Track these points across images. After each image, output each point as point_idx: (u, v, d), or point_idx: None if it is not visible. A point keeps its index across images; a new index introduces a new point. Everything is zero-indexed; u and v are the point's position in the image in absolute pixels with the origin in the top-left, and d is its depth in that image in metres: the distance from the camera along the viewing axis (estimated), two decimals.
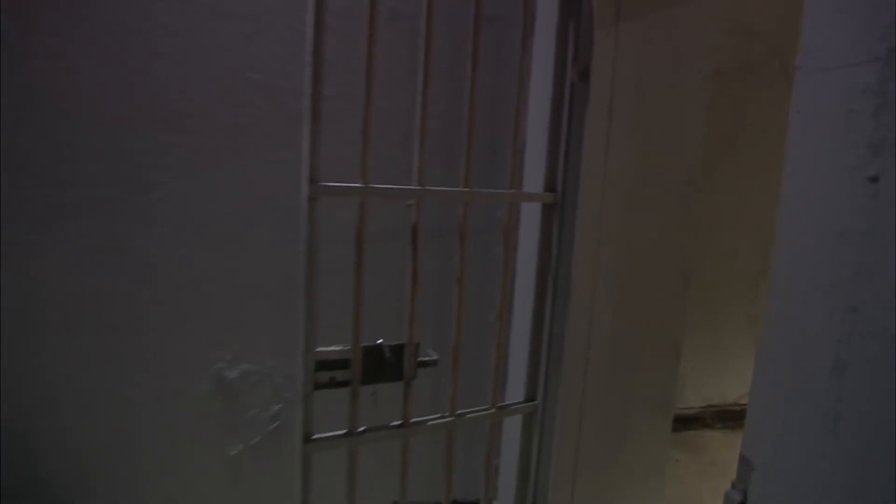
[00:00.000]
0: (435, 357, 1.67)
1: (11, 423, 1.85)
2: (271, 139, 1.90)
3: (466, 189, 1.58)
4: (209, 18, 1.83)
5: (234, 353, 1.98)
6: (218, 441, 2.01)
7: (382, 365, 1.57)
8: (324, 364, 1.48)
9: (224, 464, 2.03)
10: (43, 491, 1.91)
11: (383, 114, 1.52)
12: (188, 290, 1.92)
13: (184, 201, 1.88)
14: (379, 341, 1.57)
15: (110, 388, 1.91)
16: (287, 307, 1.83)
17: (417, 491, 2.00)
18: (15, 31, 1.67)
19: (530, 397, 1.87)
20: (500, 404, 1.80)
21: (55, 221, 1.81)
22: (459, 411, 1.71)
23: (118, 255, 1.86)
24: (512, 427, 2.02)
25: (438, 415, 1.70)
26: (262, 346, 1.99)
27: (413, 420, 1.64)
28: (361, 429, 1.56)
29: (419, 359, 1.62)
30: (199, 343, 1.95)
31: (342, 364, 1.51)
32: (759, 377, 0.97)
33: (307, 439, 1.48)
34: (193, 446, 2.00)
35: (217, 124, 1.87)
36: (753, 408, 0.97)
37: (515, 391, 1.96)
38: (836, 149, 0.81)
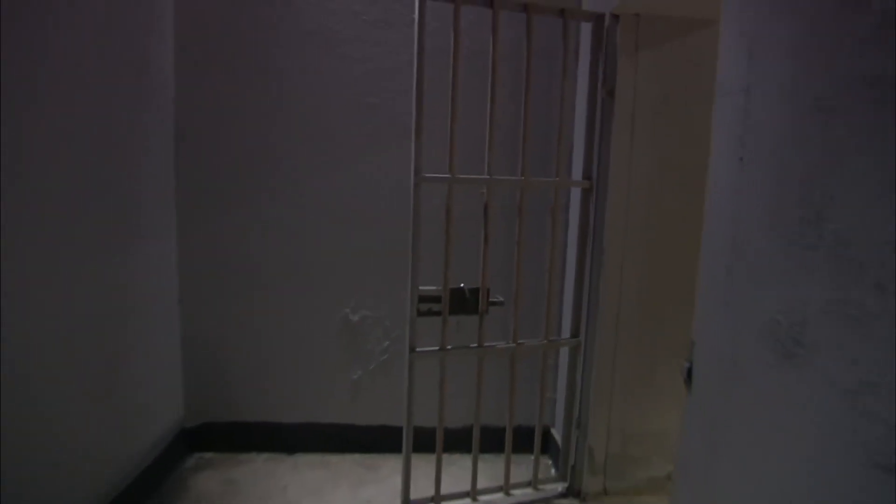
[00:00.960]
0: (501, 299, 2.29)
1: (201, 354, 2.64)
2: (386, 145, 2.58)
3: (523, 178, 2.20)
4: (341, 62, 2.55)
5: (356, 302, 2.69)
6: (343, 367, 2.73)
7: (464, 302, 2.21)
8: (424, 298, 2.14)
9: (347, 385, 2.74)
10: (233, 399, 2.70)
11: (464, 126, 2.15)
12: (326, 256, 2.65)
13: (324, 191, 2.60)
14: (461, 285, 2.21)
15: (268, 328, 2.67)
16: (395, 267, 2.52)
17: (489, 414, 2.63)
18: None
19: (574, 335, 2.45)
20: (550, 338, 2.39)
21: (233, 206, 2.59)
22: (520, 340, 2.32)
23: (277, 230, 2.61)
24: (563, 363, 2.60)
25: (504, 342, 2.32)
26: (376, 297, 2.69)
27: (486, 344, 2.27)
28: (449, 346, 2.21)
29: (490, 300, 2.24)
30: (331, 294, 2.67)
31: (436, 299, 2.16)
32: (701, 288, 1.52)
33: (412, 350, 2.14)
34: (327, 371, 2.73)
35: (347, 136, 2.59)
36: (698, 306, 1.53)
37: (564, 331, 2.55)
38: (728, 141, 1.37)
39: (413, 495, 2.31)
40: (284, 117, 2.57)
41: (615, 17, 2.19)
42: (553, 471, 2.68)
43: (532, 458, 2.51)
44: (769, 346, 1.14)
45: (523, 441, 2.60)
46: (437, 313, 2.17)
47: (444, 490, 2.36)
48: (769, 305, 1.16)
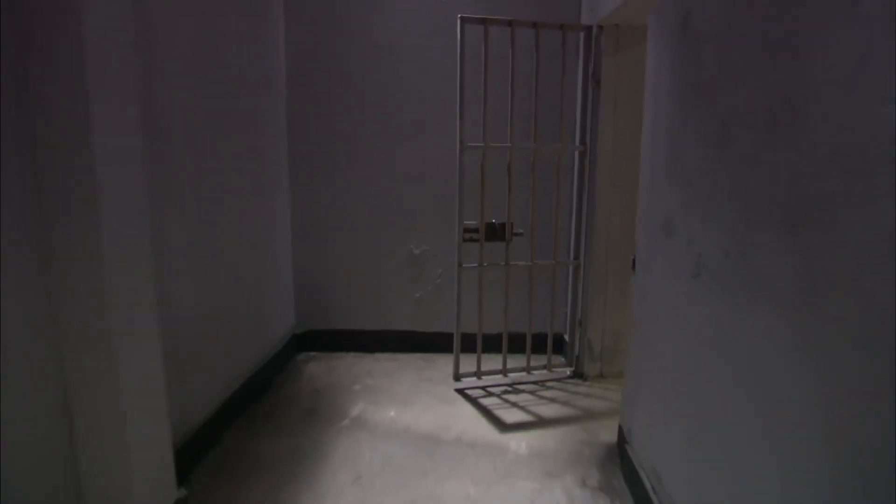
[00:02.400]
0: (521, 231, 3.19)
1: (307, 280, 3.62)
2: (434, 125, 3.49)
3: (535, 144, 3.08)
4: (401, 65, 3.46)
5: (418, 240, 3.62)
6: (409, 288, 3.68)
7: (494, 232, 3.11)
8: (466, 229, 3.06)
9: (411, 301, 3.69)
10: (330, 312, 3.69)
11: (492, 108, 3.03)
12: (395, 207, 3.58)
13: (392, 160, 3.53)
14: (493, 220, 3.12)
15: (354, 261, 3.64)
16: (445, 214, 3.44)
17: (517, 324, 3.52)
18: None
19: (576, 257, 3.33)
20: (558, 260, 3.28)
21: (327, 174, 3.55)
22: (535, 261, 3.22)
23: (358, 189, 3.56)
24: (569, 282, 3.48)
25: (524, 262, 3.23)
26: (432, 237, 3.61)
27: (511, 263, 3.17)
28: (486, 264, 3.12)
29: (514, 231, 3.14)
30: (401, 233, 3.61)
31: (475, 230, 3.07)
32: (639, 210, 2.38)
33: (459, 265, 3.07)
34: (397, 292, 3.68)
35: (406, 119, 3.50)
36: (638, 220, 2.39)
37: (568, 255, 3.44)
38: (650, 116, 2.23)
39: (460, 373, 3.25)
40: (362, 108, 3.50)
41: (600, 27, 3.04)
42: (563, 359, 3.58)
43: (546, 355, 3.41)
44: (662, 231, 2.02)
45: (541, 346, 3.49)
46: (476, 240, 3.09)
47: (482, 370, 3.29)
48: (662, 210, 2.04)
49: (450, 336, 3.48)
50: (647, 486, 2.09)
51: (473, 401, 3.10)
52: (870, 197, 0.97)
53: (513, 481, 2.36)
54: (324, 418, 2.86)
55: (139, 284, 1.77)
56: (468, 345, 3.44)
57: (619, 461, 2.49)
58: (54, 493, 1.66)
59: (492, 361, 3.46)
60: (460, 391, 3.21)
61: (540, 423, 2.86)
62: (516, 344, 3.47)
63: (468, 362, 3.40)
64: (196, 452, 2.38)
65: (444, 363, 3.58)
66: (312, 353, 3.73)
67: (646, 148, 2.28)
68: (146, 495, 1.81)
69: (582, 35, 3.12)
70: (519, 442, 2.67)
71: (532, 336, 3.34)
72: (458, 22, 2.87)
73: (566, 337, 3.61)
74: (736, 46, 1.48)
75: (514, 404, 3.07)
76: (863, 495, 0.99)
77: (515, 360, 3.44)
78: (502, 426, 2.82)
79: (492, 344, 3.52)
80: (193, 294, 2.37)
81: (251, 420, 2.83)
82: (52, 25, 1.48)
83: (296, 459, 2.48)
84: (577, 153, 3.29)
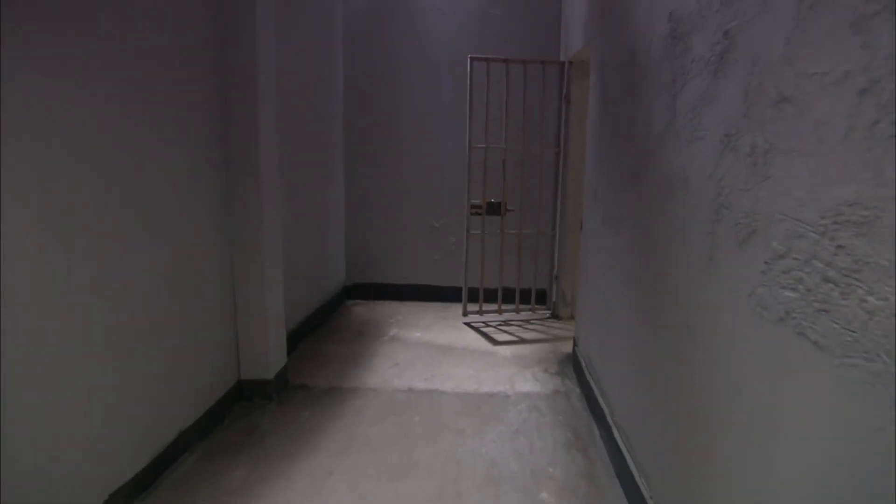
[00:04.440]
0: (513, 208, 4.31)
1: (355, 243, 4.79)
2: (456, 125, 4.62)
3: (522, 146, 4.19)
4: (430, 84, 4.60)
5: (437, 215, 4.76)
6: (430, 252, 4.82)
7: (493, 208, 4.24)
8: (473, 206, 4.19)
9: (432, 262, 4.83)
10: (371, 270, 4.85)
11: (492, 119, 4.15)
12: (422, 189, 4.73)
13: (421, 153, 4.68)
14: (492, 199, 4.24)
15: (390, 229, 4.79)
16: (458, 196, 4.57)
17: (510, 280, 4.63)
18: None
19: (553, 229, 4.45)
20: (540, 230, 4.40)
21: (372, 163, 4.71)
22: (523, 231, 4.34)
23: (395, 175, 4.71)
24: (549, 247, 4.60)
25: (515, 231, 4.35)
26: (448, 213, 4.74)
27: (506, 231, 4.30)
28: (486, 232, 4.25)
29: (507, 208, 4.26)
30: (424, 210, 4.76)
31: (479, 207, 4.20)
32: (584, 192, 3.48)
33: (467, 232, 4.20)
34: (422, 255, 4.83)
35: (432, 123, 4.64)
36: (583, 199, 3.49)
37: (549, 227, 4.56)
38: (590, 126, 3.34)
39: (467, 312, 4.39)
40: (398, 116, 4.66)
41: (571, 62, 4.15)
42: (545, 307, 4.69)
43: (531, 305, 4.53)
44: (591, 199, 3.13)
45: (529, 297, 4.60)
46: (479, 214, 4.22)
47: (483, 311, 4.42)
48: (592, 186, 3.15)
49: (461, 289, 4.61)
50: (583, 366, 3.21)
51: (475, 328, 4.23)
52: (650, 167, 2.08)
53: (499, 368, 3.48)
54: (370, 336, 4.02)
55: (275, 227, 2.93)
56: (474, 296, 4.56)
57: (571, 360, 3.61)
58: (225, 354, 2.82)
59: (491, 307, 4.58)
60: (467, 324, 4.34)
61: (521, 342, 3.98)
62: (510, 295, 4.58)
63: (473, 307, 4.53)
64: (288, 347, 3.54)
65: (455, 308, 4.71)
66: (358, 301, 4.89)
67: (587, 146, 3.40)
68: (275, 356, 2.98)
69: (557, 68, 4.23)
70: (505, 350, 3.80)
71: (521, 290, 4.46)
72: (469, 60, 4.00)
73: (547, 291, 4.71)
74: (618, 81, 2.59)
75: (505, 332, 4.19)
76: (646, 291, 2.11)
77: (510, 309, 4.56)
78: (494, 342, 3.95)
79: (492, 296, 4.63)
80: (293, 243, 3.52)
81: (319, 336, 3.99)
82: (241, 75, 2.65)
83: (354, 356, 3.63)
84: (553, 152, 4.40)
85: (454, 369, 3.45)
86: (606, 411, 2.62)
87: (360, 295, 4.92)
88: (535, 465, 2.42)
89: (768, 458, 1.22)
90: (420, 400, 3.02)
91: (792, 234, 1.14)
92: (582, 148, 4.23)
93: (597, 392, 2.85)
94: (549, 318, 4.53)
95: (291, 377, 3.22)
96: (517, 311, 4.49)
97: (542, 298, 4.75)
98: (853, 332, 0.95)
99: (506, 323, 4.39)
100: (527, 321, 4.44)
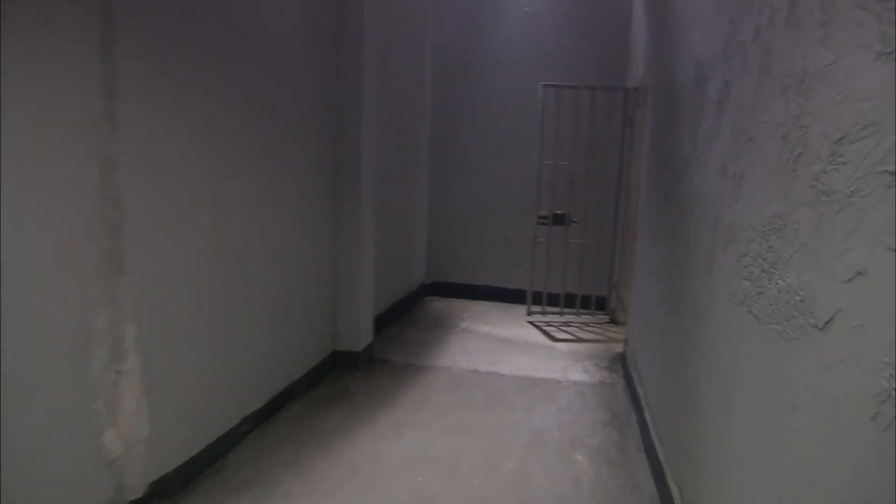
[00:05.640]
0: (577, 220, 4.69)
1: (435, 247, 5.33)
2: (527, 145, 5.07)
3: (587, 165, 4.57)
4: (504, 110, 5.08)
5: (509, 225, 5.22)
6: (501, 257, 5.28)
7: (559, 219, 4.64)
8: (540, 216, 4.62)
9: (502, 266, 5.28)
10: (448, 270, 5.38)
11: (561, 138, 4.57)
12: (496, 203, 5.20)
13: (494, 170, 5.16)
14: (557, 211, 4.65)
15: (466, 237, 5.30)
16: (527, 209, 5.02)
17: (573, 286, 4.99)
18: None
19: (613, 238, 4.79)
20: (601, 240, 4.75)
21: (453, 175, 5.24)
22: (586, 240, 4.71)
23: (471, 188, 5.22)
24: (609, 258, 4.94)
25: (578, 240, 4.73)
26: (518, 224, 5.18)
27: (570, 241, 4.69)
28: (551, 241, 4.67)
29: (572, 219, 4.65)
30: (497, 219, 5.23)
31: (546, 217, 4.62)
32: (639, 206, 3.83)
33: (535, 241, 4.63)
34: (495, 260, 5.30)
35: (505, 144, 5.12)
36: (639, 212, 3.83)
37: (609, 237, 4.90)
38: (647, 143, 3.70)
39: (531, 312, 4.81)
40: (479, 134, 5.17)
41: (635, 89, 4.49)
42: (604, 313, 5.02)
43: (590, 310, 4.87)
44: (643, 217, 3.49)
45: (589, 304, 4.94)
46: (546, 224, 4.64)
47: (546, 311, 4.82)
48: (645, 201, 3.51)
49: (526, 291, 5.03)
50: (630, 361, 3.55)
51: (537, 326, 4.64)
52: (680, 188, 2.46)
53: (554, 360, 3.88)
54: (444, 327, 4.52)
55: (369, 229, 3.51)
56: (538, 299, 4.97)
57: (621, 358, 3.94)
58: (324, 327, 3.41)
59: (553, 309, 4.97)
60: (530, 322, 4.75)
61: (578, 340, 4.35)
62: (571, 300, 4.94)
63: (537, 308, 4.94)
64: (374, 329, 4.11)
65: (521, 308, 5.12)
66: (435, 298, 5.42)
67: (643, 166, 3.75)
68: (364, 333, 3.55)
69: (621, 94, 4.59)
70: (562, 346, 4.18)
71: (582, 295, 4.82)
72: (541, 87, 4.45)
73: (608, 298, 5.04)
74: (663, 111, 2.96)
75: (564, 331, 4.57)
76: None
77: (569, 310, 4.93)
78: (553, 339, 4.35)
79: (554, 299, 5.02)
80: (383, 243, 4.10)
81: (400, 323, 4.55)
82: (349, 108, 3.26)
83: (429, 341, 4.15)
84: (615, 170, 4.75)
85: (515, 358, 3.88)
86: (642, 395, 2.97)
87: (437, 292, 5.45)
88: (575, 435, 2.82)
89: (728, 407, 1.60)
90: (483, 379, 3.48)
91: (749, 239, 1.52)
92: (640, 168, 4.55)
93: (637, 381, 3.20)
94: (607, 322, 4.86)
95: (376, 353, 3.78)
96: (577, 314, 4.85)
97: (602, 304, 5.07)
98: (771, 305, 1.34)
99: (566, 324, 4.76)
100: (585, 324, 4.79)
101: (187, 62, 2.10)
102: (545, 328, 4.61)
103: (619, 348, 4.17)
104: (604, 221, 4.83)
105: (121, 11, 1.79)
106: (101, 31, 1.74)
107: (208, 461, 2.35)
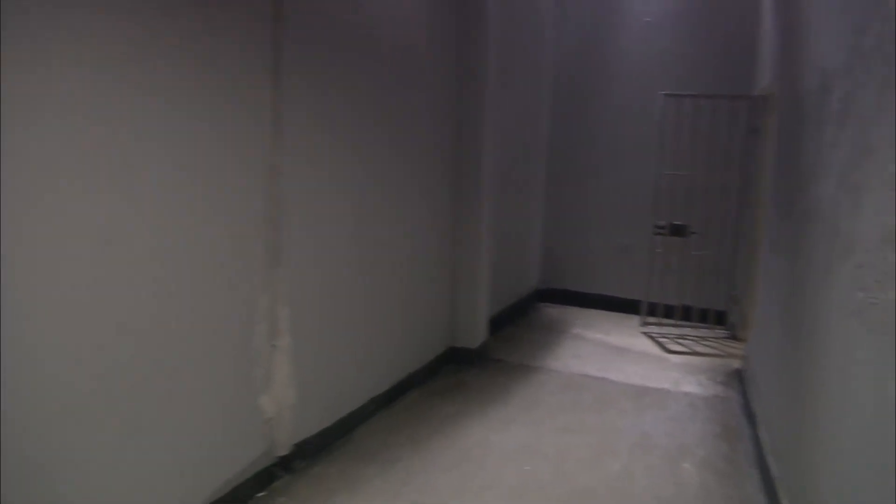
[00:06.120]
0: (696, 231, 4.57)
1: (549, 254, 5.42)
2: (644, 154, 5.02)
3: (707, 175, 4.45)
4: (623, 120, 5.08)
5: (626, 234, 5.18)
6: (616, 266, 5.25)
7: (677, 230, 4.56)
8: (657, 226, 4.56)
9: (617, 275, 5.26)
10: (562, 277, 5.46)
11: (681, 149, 4.48)
12: (613, 210, 5.20)
13: (612, 178, 5.17)
14: (675, 222, 4.57)
15: (582, 243, 5.34)
16: (643, 217, 4.97)
17: (689, 298, 4.86)
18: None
19: (733, 251, 4.60)
20: (721, 251, 4.59)
21: (569, 183, 5.31)
22: (704, 252, 4.57)
23: (589, 196, 5.26)
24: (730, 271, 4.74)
25: (696, 251, 4.60)
26: (635, 232, 5.13)
27: (689, 252, 4.58)
28: (669, 252, 4.59)
29: (690, 230, 4.54)
30: (613, 228, 5.22)
31: (663, 227, 4.56)
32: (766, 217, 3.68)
33: (651, 251, 4.58)
34: (605, 266, 5.28)
35: (623, 153, 5.10)
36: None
37: (730, 249, 4.71)
38: (773, 153, 3.57)
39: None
40: (598, 144, 5.20)
41: (760, 96, 4.31)
42: (724, 328, 4.83)
43: (708, 324, 4.71)
44: (766, 229, 3.38)
45: (707, 318, 4.78)
46: (663, 234, 4.57)
47: (661, 323, 4.74)
48: (767, 214, 3.39)
49: (640, 301, 4.98)
50: (747, 378, 3.43)
51: (651, 337, 4.58)
52: (801, 198, 2.40)
53: (667, 371, 3.84)
54: (556, 332, 4.62)
55: (487, 234, 3.72)
56: (652, 310, 4.89)
57: (739, 373, 3.80)
58: (443, 324, 3.66)
59: (668, 321, 4.86)
60: (643, 333, 4.70)
61: (693, 354, 4.25)
62: (688, 314, 4.81)
63: (651, 319, 4.86)
64: (489, 330, 4.30)
65: (634, 318, 5.05)
66: (547, 304, 5.51)
67: (768, 176, 3.61)
68: (479, 332, 3.76)
69: (745, 102, 4.42)
70: (676, 358, 4.11)
71: (700, 308, 4.68)
72: (660, 97, 4.41)
73: (728, 313, 4.84)
74: (789, 119, 2.88)
75: (679, 343, 4.47)
76: None
77: (686, 323, 4.80)
78: (667, 350, 4.28)
79: (670, 311, 4.91)
80: (499, 247, 4.29)
81: (514, 325, 4.71)
82: (469, 124, 3.50)
83: (541, 344, 4.27)
84: (738, 180, 4.57)
85: (626, 366, 3.89)
86: (758, 412, 2.89)
87: (550, 298, 5.53)
88: (683, 443, 2.82)
89: (840, 421, 1.59)
90: (593, 384, 3.55)
91: (865, 250, 1.52)
92: (764, 178, 4.35)
93: (753, 398, 3.10)
94: (726, 337, 4.67)
95: (490, 352, 3.98)
96: (694, 327, 4.71)
97: (720, 318, 4.88)
98: (885, 316, 1.34)
99: (681, 336, 4.64)
100: (703, 337, 4.64)
101: (332, 79, 2.46)
102: (659, 339, 4.54)
103: (736, 364, 4.01)
104: (723, 233, 4.66)
105: (286, 38, 2.16)
106: (273, 59, 2.11)
107: (340, 433, 2.67)
